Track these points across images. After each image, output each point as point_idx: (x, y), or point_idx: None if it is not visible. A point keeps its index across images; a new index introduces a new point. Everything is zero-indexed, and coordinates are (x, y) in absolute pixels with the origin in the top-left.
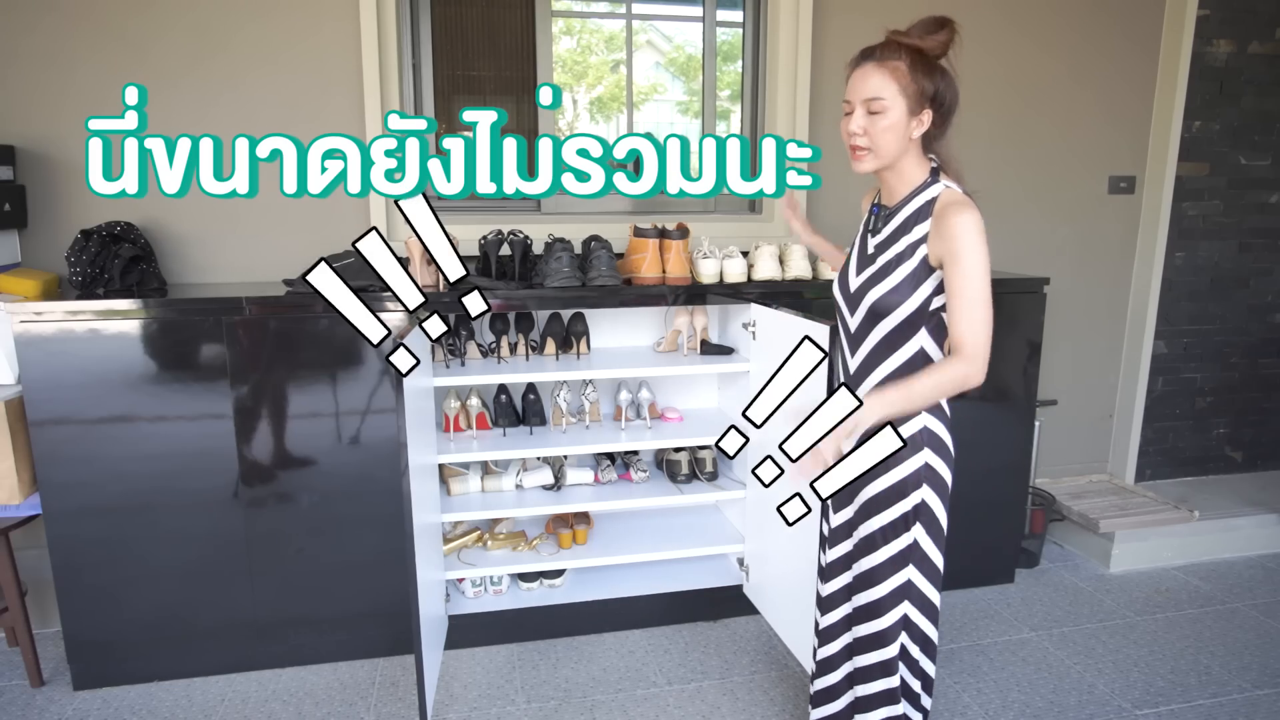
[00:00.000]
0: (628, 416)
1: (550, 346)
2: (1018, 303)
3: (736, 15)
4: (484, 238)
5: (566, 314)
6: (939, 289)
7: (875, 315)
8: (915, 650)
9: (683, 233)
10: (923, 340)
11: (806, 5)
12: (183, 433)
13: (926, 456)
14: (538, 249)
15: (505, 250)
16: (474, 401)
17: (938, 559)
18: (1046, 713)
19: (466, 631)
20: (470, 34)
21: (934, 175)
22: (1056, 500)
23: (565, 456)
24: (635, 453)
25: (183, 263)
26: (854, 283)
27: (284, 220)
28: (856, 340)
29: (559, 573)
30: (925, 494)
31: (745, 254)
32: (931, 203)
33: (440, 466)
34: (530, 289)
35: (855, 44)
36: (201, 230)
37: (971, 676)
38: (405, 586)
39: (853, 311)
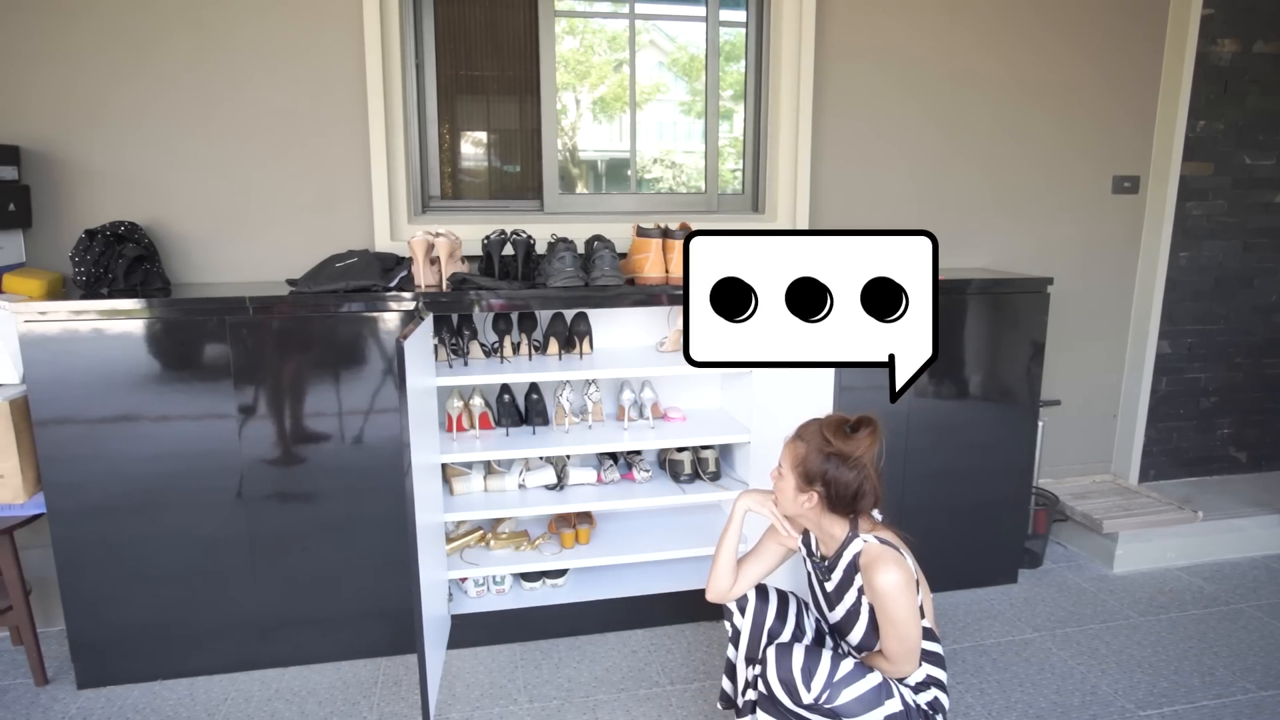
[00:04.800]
0: (630, 416)
1: (553, 346)
2: (1021, 303)
3: (739, 15)
4: (487, 237)
5: (569, 314)
6: None
7: (868, 641)
8: None
9: (686, 232)
10: None
11: (810, 5)
12: (186, 432)
13: (933, 693)
14: (541, 249)
15: (508, 250)
16: (477, 401)
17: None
18: (1050, 713)
19: (469, 631)
20: (473, 34)
21: (853, 529)
22: (1060, 500)
23: (568, 456)
24: (638, 452)
25: (186, 263)
26: (832, 616)
27: (286, 220)
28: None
29: (561, 572)
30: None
31: None
32: (857, 557)
33: (443, 466)
34: (533, 289)
35: (858, 44)
36: (205, 230)
37: (974, 677)
38: (408, 586)
39: (844, 635)
